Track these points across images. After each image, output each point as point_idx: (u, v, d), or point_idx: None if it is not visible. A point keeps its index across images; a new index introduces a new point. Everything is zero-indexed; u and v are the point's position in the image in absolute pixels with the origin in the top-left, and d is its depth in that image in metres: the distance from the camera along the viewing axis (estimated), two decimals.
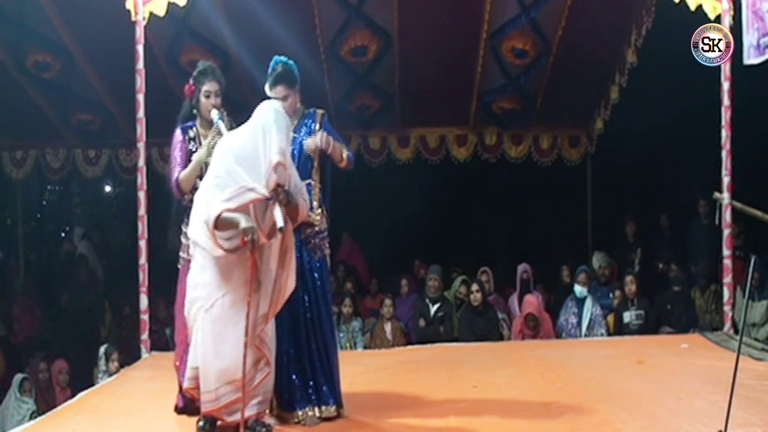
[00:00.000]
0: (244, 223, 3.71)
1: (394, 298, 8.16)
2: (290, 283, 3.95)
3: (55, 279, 10.37)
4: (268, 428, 3.97)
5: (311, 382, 4.20)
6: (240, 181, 3.76)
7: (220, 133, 4.19)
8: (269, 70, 4.25)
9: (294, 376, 4.16)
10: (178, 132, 4.42)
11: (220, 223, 3.73)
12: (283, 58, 4.27)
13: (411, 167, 9.72)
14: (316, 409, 4.18)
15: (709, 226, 7.85)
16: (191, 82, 4.42)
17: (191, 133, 4.40)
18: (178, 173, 4.32)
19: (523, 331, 7.66)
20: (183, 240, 4.34)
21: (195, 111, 4.45)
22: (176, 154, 4.38)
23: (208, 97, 4.39)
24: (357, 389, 4.80)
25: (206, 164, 4.17)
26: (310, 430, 4.08)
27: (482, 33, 8.17)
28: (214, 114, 4.30)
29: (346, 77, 8.67)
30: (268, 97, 4.15)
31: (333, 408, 4.22)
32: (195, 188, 4.19)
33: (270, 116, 3.90)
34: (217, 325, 3.80)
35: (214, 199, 3.76)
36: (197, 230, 3.88)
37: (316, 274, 4.27)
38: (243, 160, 3.81)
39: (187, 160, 4.33)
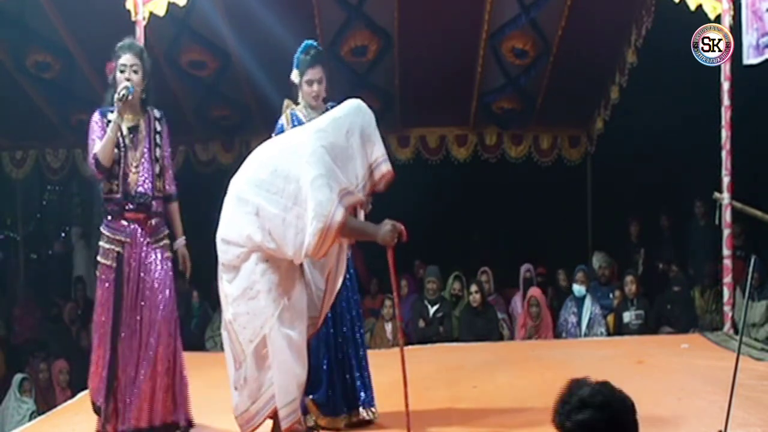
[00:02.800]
0: (377, 228, 3.58)
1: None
2: (338, 284, 3.89)
3: (53, 283, 10.39)
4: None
5: (350, 386, 4.13)
6: (341, 182, 3.47)
7: (127, 89, 3.91)
8: (299, 54, 4.14)
9: (336, 381, 4.07)
10: (96, 115, 4.06)
11: (346, 230, 3.47)
12: (313, 42, 4.19)
13: (411, 167, 9.70)
14: (362, 413, 4.12)
15: (706, 227, 7.85)
16: (112, 59, 4.04)
17: (110, 116, 4.01)
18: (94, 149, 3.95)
19: (526, 323, 7.68)
20: (105, 245, 4.03)
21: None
22: (94, 137, 4.00)
23: (123, 71, 4.01)
24: None
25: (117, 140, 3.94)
26: None
27: (482, 33, 8.16)
28: (124, 84, 3.94)
29: (346, 77, 8.67)
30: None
31: (373, 410, 4.16)
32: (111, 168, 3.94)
33: (367, 117, 3.67)
34: (289, 330, 3.54)
35: (330, 198, 3.40)
36: (261, 235, 3.47)
37: (352, 271, 4.23)
38: (338, 160, 3.50)
39: None
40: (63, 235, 12.21)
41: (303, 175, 3.43)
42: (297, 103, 4.28)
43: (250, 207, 3.51)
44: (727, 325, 6.54)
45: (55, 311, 9.54)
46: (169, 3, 6.33)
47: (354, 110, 3.65)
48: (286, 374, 3.53)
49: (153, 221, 4.10)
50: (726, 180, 6.38)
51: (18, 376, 7.42)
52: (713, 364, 5.35)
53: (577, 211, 10.21)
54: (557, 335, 7.72)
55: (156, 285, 4.03)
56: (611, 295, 8.05)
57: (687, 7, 6.34)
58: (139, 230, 4.05)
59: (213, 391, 4.82)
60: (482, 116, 9.45)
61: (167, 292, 4.05)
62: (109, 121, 3.98)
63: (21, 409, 7.20)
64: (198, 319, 8.82)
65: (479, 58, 8.51)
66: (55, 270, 10.76)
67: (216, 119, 9.38)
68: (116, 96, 3.95)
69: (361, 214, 3.90)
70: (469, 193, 10.53)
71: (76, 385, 7.15)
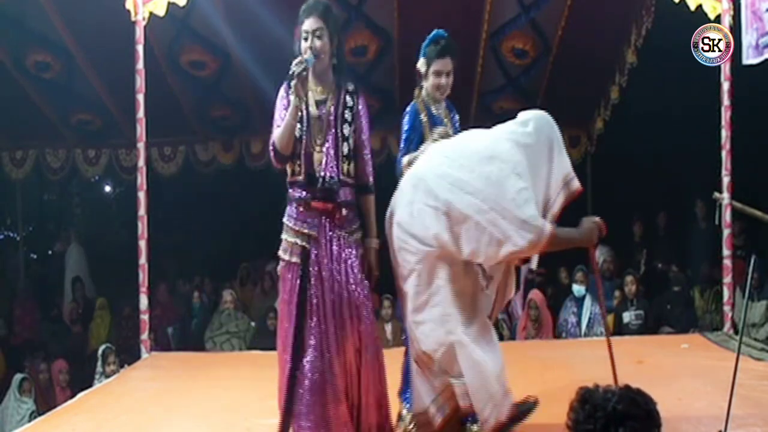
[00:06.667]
0: (581, 231, 3.61)
1: (394, 298, 8.16)
2: (509, 297, 3.93)
3: (51, 285, 10.39)
4: None
5: None
6: (538, 199, 3.42)
7: (302, 63, 3.45)
8: (428, 42, 3.91)
9: None
10: (283, 87, 3.54)
11: (555, 241, 3.47)
12: (443, 32, 3.95)
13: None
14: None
15: (707, 228, 7.85)
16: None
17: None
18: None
19: (527, 325, 7.67)
20: (289, 238, 3.48)
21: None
22: (276, 114, 3.48)
23: (305, 38, 3.52)
24: None
25: (302, 115, 3.45)
26: None
27: (482, 33, 8.17)
28: (308, 55, 3.48)
29: (346, 77, 8.66)
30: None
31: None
32: (295, 155, 3.45)
33: (557, 130, 3.49)
34: (474, 333, 3.49)
35: (538, 212, 3.37)
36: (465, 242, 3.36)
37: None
38: (536, 177, 3.42)
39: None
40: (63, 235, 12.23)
41: (507, 184, 3.34)
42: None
43: (440, 203, 3.38)
44: (727, 325, 6.53)
45: (55, 311, 9.55)
46: (169, 3, 6.33)
47: (547, 122, 3.49)
48: (480, 375, 3.46)
49: (344, 211, 3.51)
50: (726, 180, 6.38)
51: (18, 376, 7.41)
52: (713, 364, 5.34)
53: (577, 211, 10.15)
54: (557, 335, 7.72)
55: (354, 288, 3.48)
56: (611, 296, 8.05)
57: (687, 7, 6.34)
58: (328, 223, 3.47)
59: (216, 391, 4.85)
60: (482, 116, 9.42)
61: (367, 299, 3.53)
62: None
63: (21, 409, 7.19)
64: (198, 320, 8.82)
65: (479, 58, 8.52)
66: (55, 270, 10.78)
67: (216, 119, 9.38)
68: (289, 72, 3.44)
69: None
70: None
71: (76, 385, 7.16)
